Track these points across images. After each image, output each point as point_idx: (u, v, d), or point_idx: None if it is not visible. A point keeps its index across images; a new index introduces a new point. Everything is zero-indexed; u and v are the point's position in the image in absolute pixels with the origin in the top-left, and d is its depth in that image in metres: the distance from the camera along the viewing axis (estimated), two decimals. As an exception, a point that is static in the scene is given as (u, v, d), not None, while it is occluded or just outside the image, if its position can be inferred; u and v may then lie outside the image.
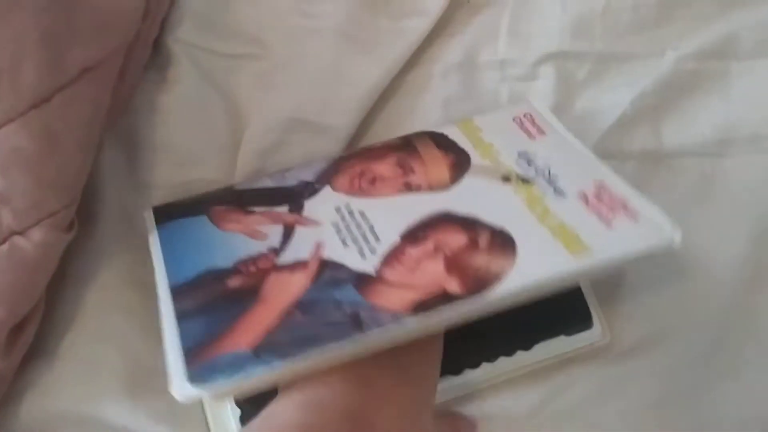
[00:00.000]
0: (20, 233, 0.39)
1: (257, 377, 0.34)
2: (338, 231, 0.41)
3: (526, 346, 0.45)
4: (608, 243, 0.38)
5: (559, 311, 0.45)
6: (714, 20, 0.52)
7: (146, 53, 0.46)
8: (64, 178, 0.40)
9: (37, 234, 0.39)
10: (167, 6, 0.47)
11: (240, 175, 0.47)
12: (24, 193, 0.39)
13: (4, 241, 0.39)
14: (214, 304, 0.38)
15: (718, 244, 0.48)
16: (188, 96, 0.47)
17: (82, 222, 0.42)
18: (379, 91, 0.49)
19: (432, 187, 0.43)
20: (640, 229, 0.39)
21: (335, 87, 0.48)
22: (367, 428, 0.32)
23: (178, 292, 0.38)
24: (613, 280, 0.47)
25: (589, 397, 0.44)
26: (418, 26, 0.50)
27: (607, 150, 0.49)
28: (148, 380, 0.41)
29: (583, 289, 0.46)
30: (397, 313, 0.36)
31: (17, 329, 0.40)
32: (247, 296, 0.37)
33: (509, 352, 0.45)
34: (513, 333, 0.45)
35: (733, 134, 0.51)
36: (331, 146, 0.48)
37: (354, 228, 0.41)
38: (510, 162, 0.44)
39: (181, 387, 0.34)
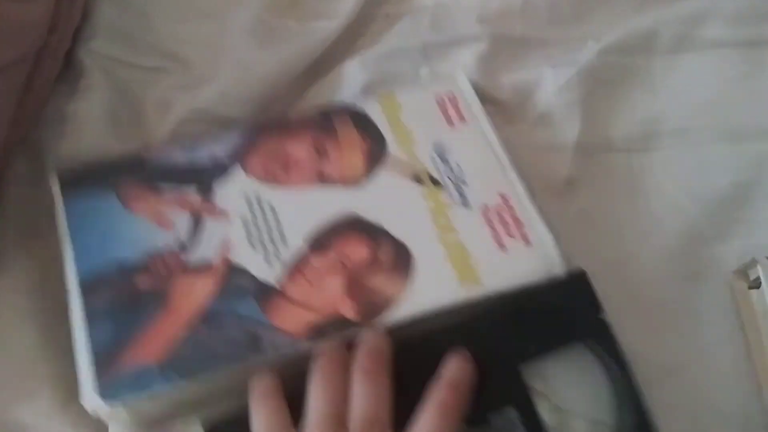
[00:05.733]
0: None
1: (163, 394, 0.36)
2: (246, 229, 0.41)
3: None
4: (497, 273, 0.41)
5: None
6: (632, 17, 0.53)
7: (56, 65, 0.46)
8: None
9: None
10: (78, 19, 0.47)
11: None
12: None
13: None
14: (123, 306, 0.38)
15: (648, 238, 0.47)
16: (98, 105, 0.46)
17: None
18: (279, 83, 0.48)
19: (345, 181, 0.43)
20: (530, 258, 0.41)
21: (238, 80, 0.48)
22: None
23: (86, 286, 0.39)
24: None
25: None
26: (326, 27, 0.50)
27: (537, 142, 0.49)
28: (42, 387, 0.39)
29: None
30: (295, 339, 0.38)
31: None
32: (155, 300, 0.38)
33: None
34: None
35: (658, 128, 0.51)
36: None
37: (262, 224, 0.41)
38: (425, 156, 0.44)
39: (91, 400, 0.36)
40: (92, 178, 0.42)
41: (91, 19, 0.48)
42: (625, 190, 0.49)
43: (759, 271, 0.44)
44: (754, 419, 0.43)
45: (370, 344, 0.38)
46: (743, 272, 0.46)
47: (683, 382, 0.44)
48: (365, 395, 0.36)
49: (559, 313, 0.40)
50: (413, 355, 0.38)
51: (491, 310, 0.40)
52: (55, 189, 0.42)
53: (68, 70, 0.47)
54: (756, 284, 0.45)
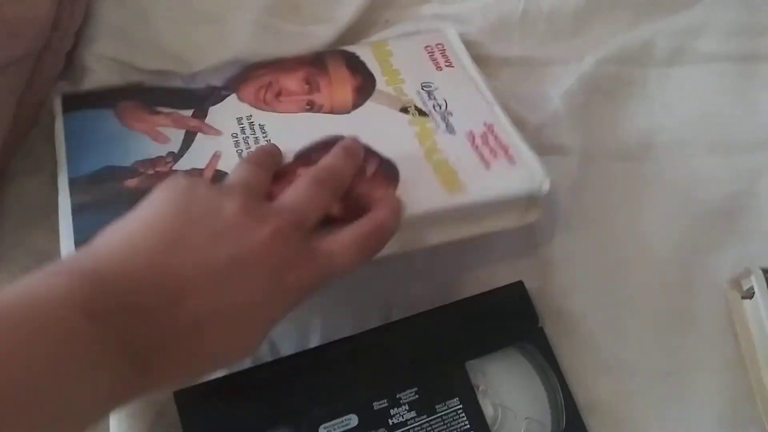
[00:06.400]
0: None
1: None
2: (236, 143, 0.42)
3: None
4: (483, 184, 0.41)
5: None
6: (629, 30, 0.54)
7: (58, 64, 0.46)
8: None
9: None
10: (80, 18, 0.46)
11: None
12: None
13: None
14: (109, 201, 0.39)
15: (643, 247, 0.48)
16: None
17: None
18: None
19: (334, 110, 0.45)
20: (514, 174, 0.42)
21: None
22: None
23: (75, 184, 0.39)
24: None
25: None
26: (324, 31, 0.50)
27: (542, 145, 0.49)
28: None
29: None
30: None
31: None
32: (141, 198, 0.37)
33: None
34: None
35: (654, 139, 0.51)
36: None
37: (252, 141, 0.42)
38: (412, 92, 0.46)
39: None
40: (92, 99, 0.44)
41: (93, 22, 0.48)
42: (621, 198, 0.49)
43: (752, 281, 0.45)
44: (747, 426, 0.43)
45: (333, 161, 0.38)
46: (737, 282, 0.46)
47: (676, 390, 0.44)
48: (304, 193, 0.35)
49: (500, 319, 0.43)
50: (373, 347, 0.41)
51: (443, 312, 0.43)
52: (57, 105, 0.43)
53: (71, 70, 0.47)
54: (749, 294, 0.45)
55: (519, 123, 0.49)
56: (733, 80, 0.53)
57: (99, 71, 0.47)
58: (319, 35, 0.50)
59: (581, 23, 0.53)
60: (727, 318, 0.46)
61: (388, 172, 0.41)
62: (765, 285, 0.45)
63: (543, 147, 0.48)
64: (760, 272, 0.45)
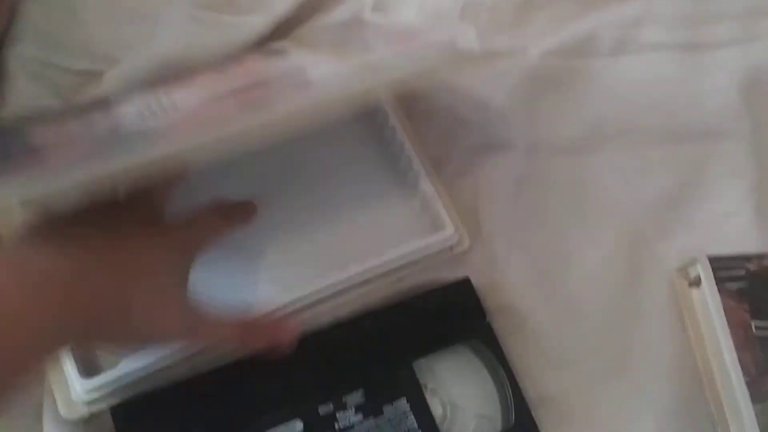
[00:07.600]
0: None
1: None
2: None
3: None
4: None
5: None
6: (573, 20, 0.53)
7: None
8: None
9: None
10: (5, 23, 0.45)
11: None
12: None
13: None
14: None
15: (592, 238, 0.48)
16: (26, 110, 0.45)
17: None
18: None
19: None
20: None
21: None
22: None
23: None
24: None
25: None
26: (257, 22, 0.49)
27: (491, 141, 0.49)
28: None
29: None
30: None
31: None
32: None
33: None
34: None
35: (601, 130, 0.51)
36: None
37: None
38: None
39: None
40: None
41: (16, 21, 0.46)
42: (569, 191, 0.49)
43: (699, 270, 0.45)
44: (696, 414, 0.43)
45: None
46: (684, 271, 0.46)
47: (625, 382, 0.44)
48: None
49: (447, 316, 0.43)
50: (317, 349, 0.41)
51: (389, 311, 0.42)
52: None
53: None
54: (696, 282, 0.45)
55: (463, 121, 0.49)
56: (678, 69, 0.53)
57: (23, 76, 0.45)
58: (253, 25, 0.49)
59: (524, 15, 0.53)
60: (676, 307, 0.46)
61: None
62: (711, 273, 0.45)
63: (488, 144, 0.49)
64: (706, 260, 0.45)
